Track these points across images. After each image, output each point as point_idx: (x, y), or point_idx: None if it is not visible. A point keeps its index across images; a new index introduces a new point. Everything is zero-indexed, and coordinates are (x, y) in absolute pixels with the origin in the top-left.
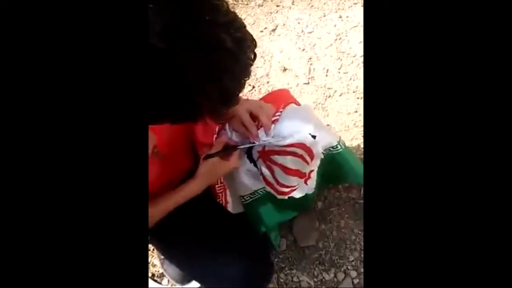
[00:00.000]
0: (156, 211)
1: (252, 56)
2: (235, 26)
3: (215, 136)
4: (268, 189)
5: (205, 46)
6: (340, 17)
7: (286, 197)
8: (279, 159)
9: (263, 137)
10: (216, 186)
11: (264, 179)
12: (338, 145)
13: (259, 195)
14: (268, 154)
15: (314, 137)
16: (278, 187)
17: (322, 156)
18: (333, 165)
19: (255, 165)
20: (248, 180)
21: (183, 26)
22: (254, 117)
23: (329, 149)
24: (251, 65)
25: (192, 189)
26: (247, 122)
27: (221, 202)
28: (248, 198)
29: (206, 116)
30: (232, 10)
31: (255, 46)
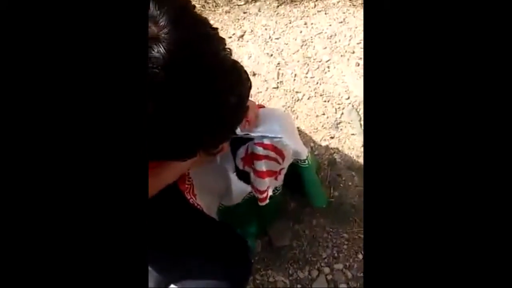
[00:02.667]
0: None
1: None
2: (240, 84)
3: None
4: (257, 195)
5: (207, 106)
6: (305, 24)
7: (266, 201)
8: (256, 164)
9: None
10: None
11: (252, 186)
12: (306, 161)
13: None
14: (251, 159)
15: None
16: (258, 194)
17: (291, 161)
18: (296, 175)
19: (239, 173)
20: (237, 190)
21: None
22: None
23: (298, 160)
24: (247, 108)
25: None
26: None
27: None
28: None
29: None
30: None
31: (251, 87)
